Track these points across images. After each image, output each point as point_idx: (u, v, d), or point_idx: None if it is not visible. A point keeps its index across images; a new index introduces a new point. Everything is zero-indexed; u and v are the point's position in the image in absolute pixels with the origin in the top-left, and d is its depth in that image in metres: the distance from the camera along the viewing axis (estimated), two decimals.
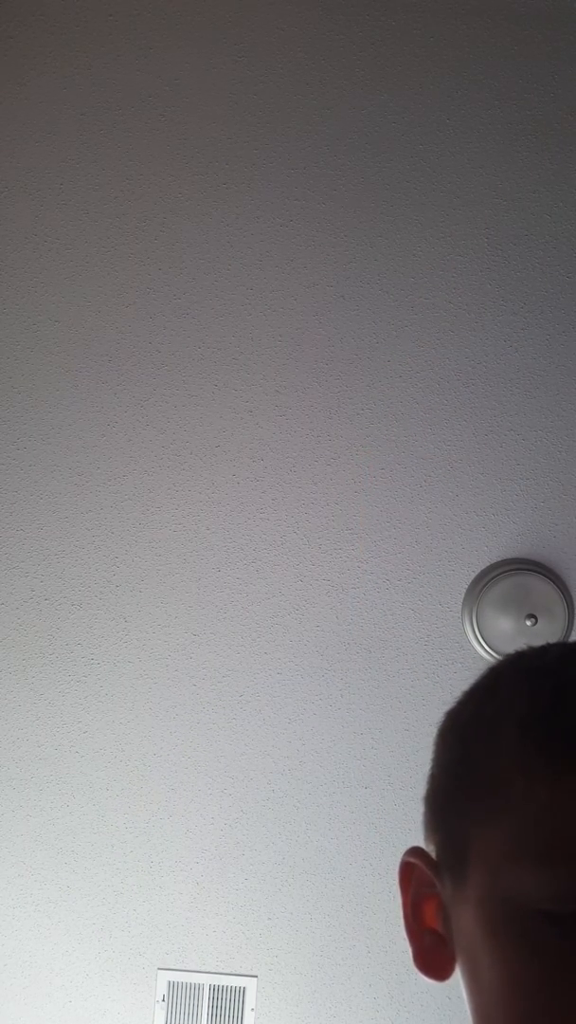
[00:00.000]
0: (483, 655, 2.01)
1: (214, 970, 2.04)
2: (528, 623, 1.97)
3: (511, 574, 1.99)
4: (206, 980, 2.03)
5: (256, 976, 2.03)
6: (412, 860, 0.58)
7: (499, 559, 2.02)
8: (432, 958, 0.56)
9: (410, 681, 2.03)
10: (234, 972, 2.04)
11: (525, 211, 2.01)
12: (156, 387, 2.04)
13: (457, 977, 0.55)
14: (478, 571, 2.02)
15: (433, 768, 0.59)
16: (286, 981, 2.03)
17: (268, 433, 2.04)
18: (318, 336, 2.03)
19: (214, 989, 2.02)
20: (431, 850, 0.58)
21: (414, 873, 0.58)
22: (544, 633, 1.98)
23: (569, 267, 2.02)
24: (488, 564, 2.02)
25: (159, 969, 2.04)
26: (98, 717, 2.05)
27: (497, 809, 0.52)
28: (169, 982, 2.03)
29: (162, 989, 2.02)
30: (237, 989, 2.02)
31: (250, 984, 2.02)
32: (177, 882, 2.05)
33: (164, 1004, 2.01)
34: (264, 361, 2.03)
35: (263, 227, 2.02)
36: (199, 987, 2.02)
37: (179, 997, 2.02)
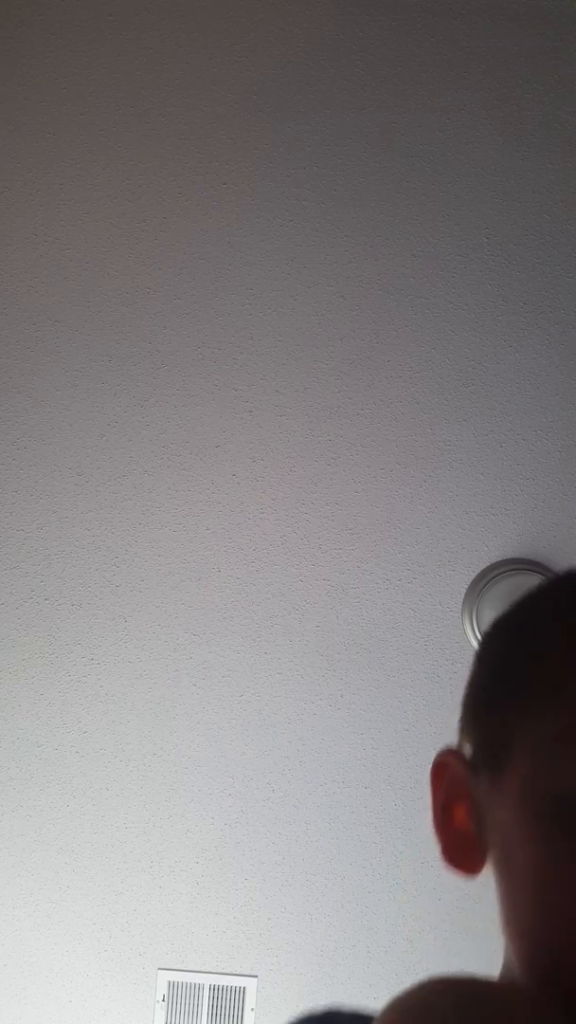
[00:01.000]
0: None
1: (214, 970, 2.04)
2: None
3: (511, 574, 1.99)
4: (206, 980, 2.03)
5: (256, 976, 2.03)
6: (445, 760, 0.59)
7: (499, 559, 2.02)
8: (461, 855, 0.57)
9: (410, 681, 2.04)
10: (234, 972, 2.04)
11: (525, 211, 2.01)
12: (156, 387, 2.04)
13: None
14: (478, 571, 2.02)
15: (474, 671, 0.60)
16: (286, 981, 2.03)
17: (268, 433, 2.04)
18: (318, 336, 2.03)
19: (214, 989, 2.02)
20: (466, 750, 0.58)
21: (446, 773, 0.58)
22: None
23: (569, 267, 2.02)
24: (488, 564, 2.02)
25: (159, 969, 2.04)
26: (98, 717, 2.05)
27: (546, 697, 0.52)
28: (169, 982, 2.03)
29: (162, 989, 2.02)
30: (237, 989, 2.02)
31: (250, 984, 2.03)
32: (177, 882, 2.05)
33: (164, 1004, 2.01)
34: (264, 361, 2.03)
35: (263, 227, 2.02)
36: (199, 987, 2.02)
37: (179, 997, 2.02)
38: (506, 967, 0.56)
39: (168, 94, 2.02)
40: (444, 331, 2.02)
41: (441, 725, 2.03)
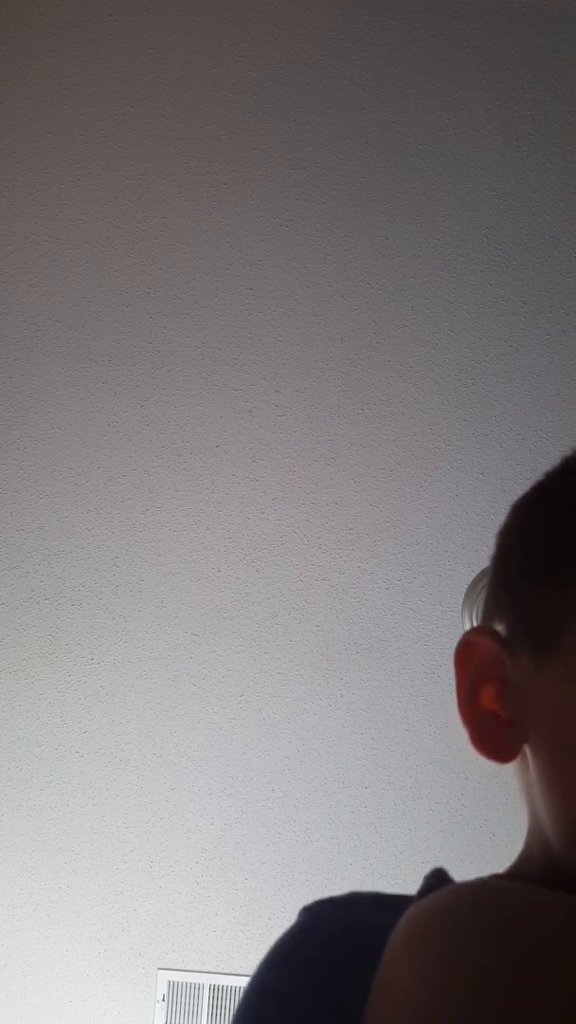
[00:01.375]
0: None
1: (214, 970, 2.04)
2: (496, 546, 1.97)
3: None
4: (206, 980, 2.03)
5: None
6: (475, 638, 0.55)
7: None
8: (493, 738, 0.53)
9: (410, 681, 2.03)
10: (234, 972, 2.04)
11: (525, 211, 2.01)
12: (156, 387, 2.04)
13: None
14: (478, 571, 2.02)
15: (504, 547, 0.57)
16: None
17: (268, 433, 2.04)
18: (318, 336, 2.03)
19: (214, 989, 2.02)
20: (502, 629, 0.55)
21: (475, 652, 0.55)
22: None
23: (569, 267, 2.02)
24: (488, 564, 2.02)
25: (159, 969, 2.04)
26: (98, 717, 2.05)
27: None
28: (169, 982, 2.03)
29: (162, 989, 2.02)
30: (237, 989, 2.02)
31: None
32: (177, 882, 2.05)
33: (164, 1004, 2.01)
34: (264, 361, 2.03)
35: (263, 227, 2.02)
36: (199, 987, 2.02)
37: (179, 997, 2.02)
38: (528, 861, 0.54)
39: (168, 94, 2.02)
40: (444, 331, 2.02)
41: (441, 725, 2.03)
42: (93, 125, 2.02)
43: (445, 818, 2.03)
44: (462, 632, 2.09)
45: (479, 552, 2.03)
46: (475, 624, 2.00)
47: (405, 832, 2.03)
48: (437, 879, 0.52)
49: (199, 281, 2.03)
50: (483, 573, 2.02)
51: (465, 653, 0.55)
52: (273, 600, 2.04)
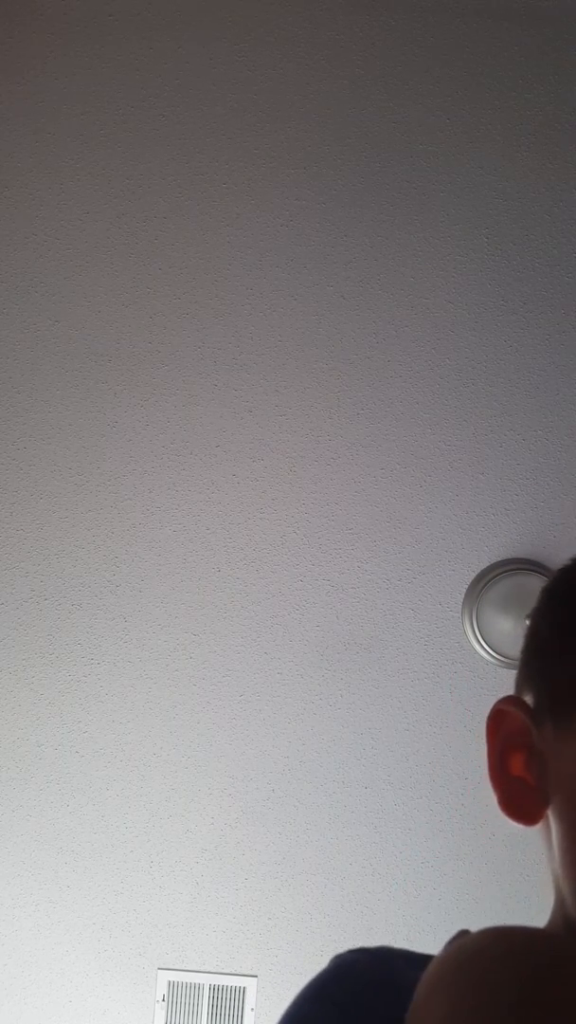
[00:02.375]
0: (483, 655, 2.01)
1: (214, 970, 2.04)
2: (528, 623, 1.97)
3: (511, 574, 1.99)
4: (206, 980, 2.03)
5: (256, 976, 2.03)
6: (505, 708, 0.58)
7: (499, 559, 2.02)
8: (521, 803, 0.57)
9: (410, 681, 2.03)
10: (234, 972, 2.04)
11: (525, 211, 2.01)
12: (156, 387, 2.04)
13: None
14: (478, 571, 2.02)
15: (536, 623, 0.60)
16: (286, 981, 2.03)
17: (268, 433, 2.04)
18: (318, 336, 2.03)
19: (214, 989, 2.02)
20: (529, 699, 0.58)
21: (505, 721, 0.58)
22: None
23: (569, 267, 2.02)
24: (488, 564, 2.02)
25: (159, 969, 2.04)
26: (98, 717, 2.05)
27: None
28: (169, 982, 2.03)
29: (162, 989, 2.02)
30: (237, 989, 2.02)
31: (250, 984, 2.03)
32: (177, 882, 2.05)
33: (164, 1004, 2.01)
34: (264, 361, 2.03)
35: (263, 227, 2.02)
36: (199, 987, 2.02)
37: (179, 997, 2.02)
38: (554, 923, 0.56)
39: (168, 94, 2.02)
40: (444, 331, 2.03)
41: (441, 725, 2.03)
42: (93, 125, 2.02)
43: (445, 818, 2.03)
44: (462, 632, 2.09)
45: (479, 552, 2.03)
46: (475, 626, 2.00)
47: (405, 832, 2.03)
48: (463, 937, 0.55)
49: (199, 281, 2.03)
50: (483, 573, 2.02)
51: (496, 721, 0.59)
52: (273, 600, 2.04)
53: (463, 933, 0.56)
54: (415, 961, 0.56)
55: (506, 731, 0.58)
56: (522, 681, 0.60)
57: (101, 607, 2.04)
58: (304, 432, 2.03)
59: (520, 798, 0.57)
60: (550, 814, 0.55)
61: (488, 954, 0.45)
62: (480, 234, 2.01)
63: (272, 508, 2.04)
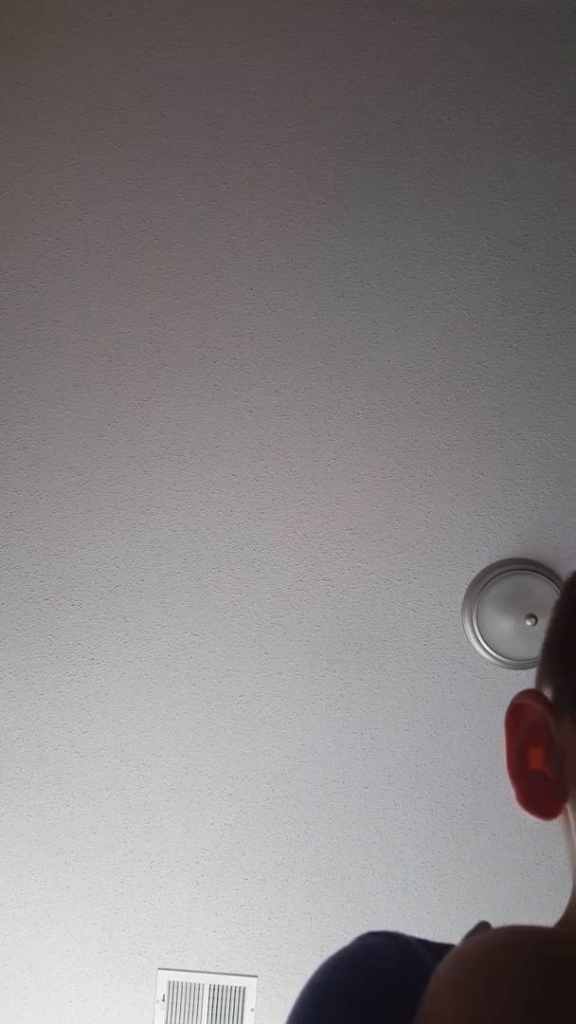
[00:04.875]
0: (483, 655, 2.01)
1: (214, 970, 2.04)
2: (528, 623, 1.97)
3: (511, 574, 1.99)
4: (206, 980, 2.03)
5: (256, 976, 2.03)
6: (524, 701, 0.58)
7: (499, 559, 2.02)
8: (539, 797, 0.56)
9: (410, 681, 2.03)
10: (234, 972, 2.04)
11: (525, 211, 2.01)
12: (156, 387, 2.04)
13: None
14: (478, 571, 2.02)
15: (557, 615, 0.60)
16: (286, 981, 2.03)
17: (268, 433, 2.04)
18: (318, 336, 2.03)
19: (214, 989, 2.02)
20: (549, 693, 0.58)
21: (524, 715, 0.58)
22: (544, 633, 1.97)
23: (569, 267, 2.02)
24: (488, 564, 2.02)
25: (159, 969, 2.04)
26: (98, 717, 2.05)
27: None
28: (169, 982, 2.03)
29: (162, 989, 2.02)
30: (237, 989, 2.02)
31: (250, 984, 2.03)
32: (177, 882, 2.05)
33: (164, 1004, 2.01)
34: (264, 361, 2.03)
35: (263, 227, 2.02)
36: (199, 987, 2.02)
37: (179, 997, 2.02)
38: (570, 916, 0.56)
39: (168, 94, 2.02)
40: (444, 331, 2.03)
41: (441, 725, 2.03)
42: (93, 125, 2.02)
43: (445, 818, 2.03)
44: (462, 632, 2.09)
45: (479, 552, 2.03)
46: (475, 626, 2.00)
47: (405, 832, 2.03)
48: (482, 930, 0.55)
49: (199, 281, 2.03)
50: (483, 573, 2.02)
51: (515, 715, 0.59)
52: (273, 600, 2.04)
53: (483, 926, 0.56)
54: (433, 949, 0.56)
55: (526, 725, 0.58)
56: (542, 674, 0.60)
57: (101, 607, 2.04)
58: (304, 432, 2.03)
59: (538, 792, 0.56)
60: (568, 808, 0.55)
61: (504, 950, 0.45)
62: (480, 234, 2.01)
63: (272, 508, 2.04)
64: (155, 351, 2.04)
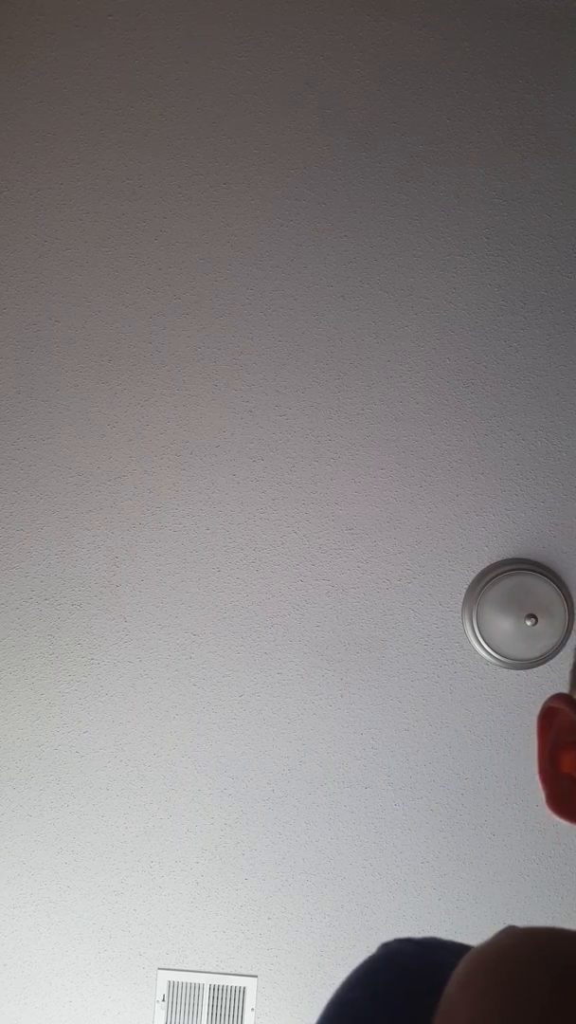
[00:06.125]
0: (483, 655, 2.01)
1: (214, 970, 2.04)
2: (528, 623, 1.97)
3: (511, 574, 1.99)
4: (206, 980, 2.03)
5: (256, 976, 2.03)
6: (556, 705, 0.58)
7: (499, 559, 2.02)
8: (566, 800, 0.56)
9: (410, 681, 2.03)
10: (234, 972, 2.04)
11: (525, 211, 2.01)
12: (156, 387, 2.04)
13: None
14: (478, 571, 2.02)
15: None
16: (286, 981, 2.03)
17: (268, 433, 2.04)
18: (318, 336, 2.03)
19: (214, 989, 2.02)
20: None
21: (556, 718, 0.58)
22: (544, 633, 1.97)
23: (569, 267, 2.02)
24: (488, 564, 2.02)
25: (159, 969, 2.04)
26: (98, 717, 2.05)
27: None
28: (169, 982, 2.02)
29: (162, 989, 2.02)
30: (237, 989, 2.02)
31: (250, 984, 2.03)
32: (177, 882, 2.05)
33: (164, 1004, 2.01)
34: (264, 361, 2.03)
35: (263, 227, 2.02)
36: (199, 987, 2.02)
37: (179, 997, 2.02)
38: None
39: (168, 94, 2.02)
40: (444, 331, 2.03)
41: (441, 725, 2.03)
42: (93, 125, 2.02)
43: (445, 818, 2.03)
44: (462, 632, 2.09)
45: (479, 552, 2.03)
46: (475, 626, 2.00)
47: (405, 832, 2.03)
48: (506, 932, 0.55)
49: (199, 281, 2.03)
50: (483, 573, 2.02)
51: (547, 719, 0.58)
52: (273, 600, 2.04)
53: (511, 929, 0.56)
54: (461, 953, 0.57)
55: (557, 728, 0.57)
56: (573, 678, 0.61)
57: (101, 607, 2.04)
58: (304, 432, 2.03)
59: (567, 796, 0.56)
60: None
61: (517, 954, 0.45)
62: (480, 234, 2.01)
63: (272, 508, 2.04)
64: (155, 351, 2.04)
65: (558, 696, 0.58)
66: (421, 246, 2.02)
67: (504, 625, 1.99)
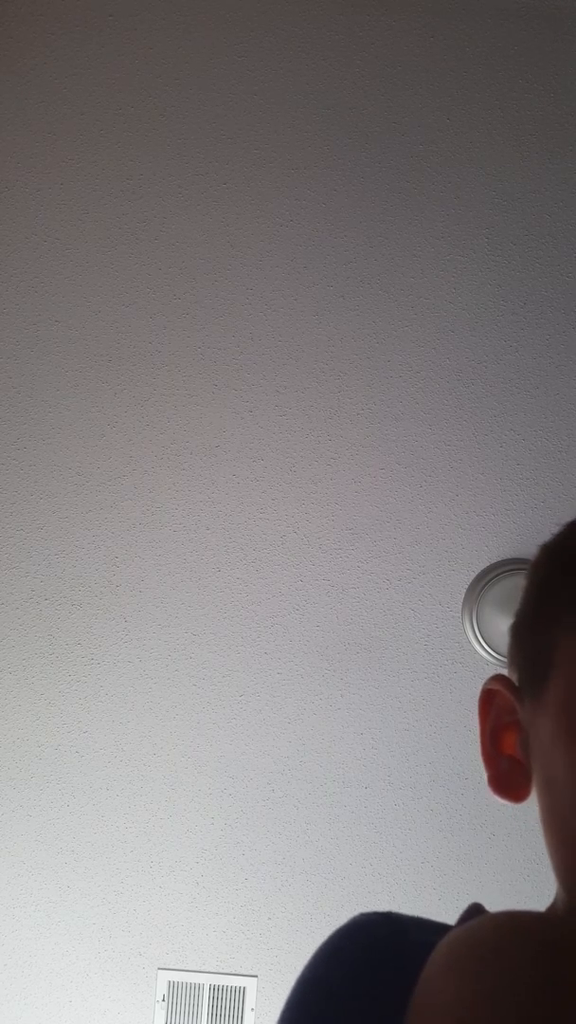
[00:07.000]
0: (483, 655, 2.01)
1: (214, 970, 2.04)
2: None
3: (511, 574, 1.99)
4: (206, 980, 2.03)
5: (256, 976, 2.03)
6: (493, 687, 0.58)
7: (499, 559, 2.02)
8: (509, 780, 0.57)
9: (410, 681, 2.03)
10: (234, 972, 2.04)
11: (525, 211, 2.01)
12: (156, 387, 2.04)
13: None
14: (478, 571, 2.02)
15: (522, 598, 0.61)
16: (286, 981, 2.03)
17: (268, 433, 2.04)
18: (318, 336, 2.03)
19: (214, 989, 2.02)
20: (514, 678, 0.59)
21: (495, 700, 0.58)
22: None
23: (569, 267, 2.02)
24: (488, 564, 2.02)
25: (159, 969, 2.04)
26: (98, 717, 2.05)
27: None
28: (169, 982, 2.03)
29: (162, 989, 2.02)
30: (237, 989, 2.02)
31: (250, 984, 2.03)
32: (177, 882, 2.05)
33: (164, 1004, 2.01)
34: (264, 361, 2.03)
35: (263, 227, 2.02)
36: (199, 987, 2.02)
37: (179, 997, 2.02)
38: (554, 903, 0.57)
39: (168, 94, 2.02)
40: (444, 331, 2.03)
41: (441, 725, 2.03)
42: (93, 125, 2.02)
43: (445, 818, 2.03)
44: (462, 632, 2.09)
45: (479, 552, 2.03)
46: (475, 626, 2.00)
47: (405, 832, 2.03)
48: (475, 912, 0.55)
49: (199, 281, 2.03)
50: (483, 573, 2.02)
51: (486, 700, 0.59)
52: (273, 600, 2.04)
53: (476, 908, 0.57)
54: (427, 925, 0.56)
55: (497, 710, 0.58)
56: (509, 660, 0.61)
57: (101, 607, 2.04)
58: (304, 432, 2.03)
59: (507, 775, 0.57)
60: (535, 790, 0.55)
61: (496, 936, 0.46)
62: (480, 234, 2.01)
63: (272, 508, 2.04)
64: (155, 351, 2.04)
65: (495, 677, 0.59)
66: (421, 246, 2.02)
67: (504, 625, 1.99)
